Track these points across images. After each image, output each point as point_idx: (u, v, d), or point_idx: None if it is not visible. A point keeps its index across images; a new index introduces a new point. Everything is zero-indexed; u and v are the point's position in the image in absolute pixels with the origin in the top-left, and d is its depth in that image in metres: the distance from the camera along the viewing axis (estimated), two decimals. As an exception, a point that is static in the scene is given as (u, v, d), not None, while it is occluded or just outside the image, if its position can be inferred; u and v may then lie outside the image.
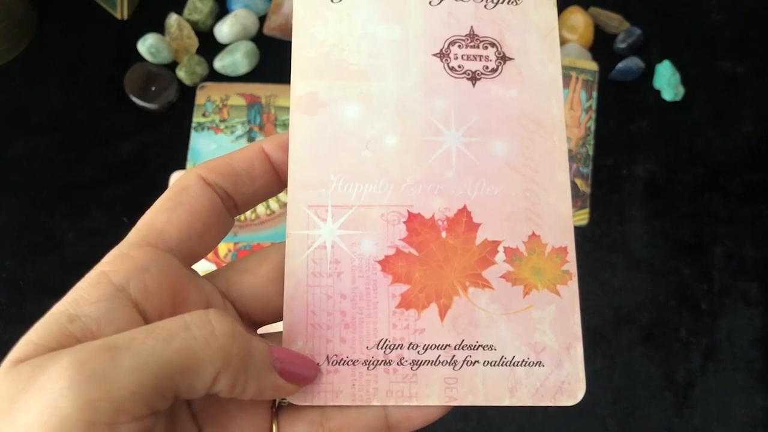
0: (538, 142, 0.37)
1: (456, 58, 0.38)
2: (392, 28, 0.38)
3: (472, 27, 0.39)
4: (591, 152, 0.92)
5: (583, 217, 0.90)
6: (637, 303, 0.87)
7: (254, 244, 0.87)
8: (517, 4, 0.39)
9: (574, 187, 0.90)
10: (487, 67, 0.38)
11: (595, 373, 0.83)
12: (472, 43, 0.38)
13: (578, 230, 0.89)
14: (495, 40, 0.39)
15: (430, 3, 0.39)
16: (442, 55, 0.38)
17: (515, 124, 0.37)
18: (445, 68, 0.38)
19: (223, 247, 0.86)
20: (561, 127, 0.38)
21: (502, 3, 0.39)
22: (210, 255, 0.85)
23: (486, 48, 0.38)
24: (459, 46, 0.38)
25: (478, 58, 0.38)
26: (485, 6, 0.39)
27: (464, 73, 0.38)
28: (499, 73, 0.38)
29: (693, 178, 0.93)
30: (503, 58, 0.38)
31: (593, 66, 0.96)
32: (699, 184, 0.93)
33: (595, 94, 0.95)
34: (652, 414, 0.82)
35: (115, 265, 0.31)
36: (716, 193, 0.92)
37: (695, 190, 0.92)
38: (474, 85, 0.38)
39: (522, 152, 0.37)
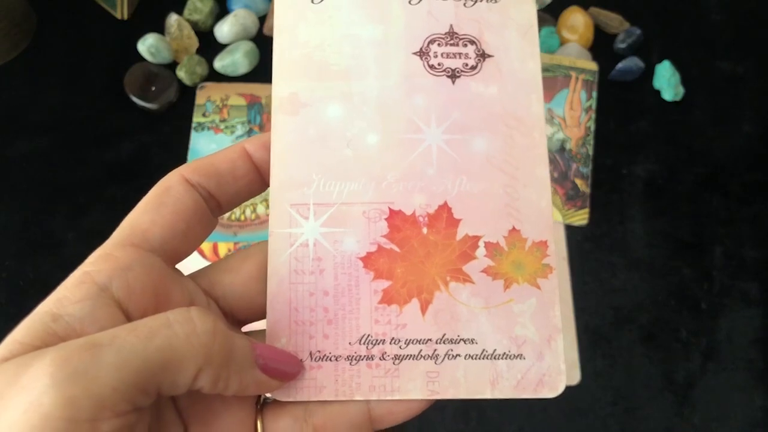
0: (518, 139, 0.37)
1: (436, 57, 0.38)
2: (373, 28, 0.39)
3: (451, 25, 0.39)
4: (591, 152, 0.92)
5: (583, 217, 0.90)
6: (637, 303, 0.87)
7: (254, 244, 0.87)
8: (496, 1, 0.39)
9: (574, 187, 0.90)
10: (466, 65, 0.38)
11: (595, 373, 0.83)
12: (451, 41, 0.39)
13: (578, 230, 0.89)
14: (474, 37, 0.39)
15: (410, 2, 0.39)
16: (422, 53, 0.38)
17: (495, 121, 0.38)
18: (425, 66, 0.38)
19: (223, 247, 0.86)
20: (541, 124, 0.38)
21: (482, 1, 0.39)
22: (210, 255, 0.85)
23: (465, 46, 0.39)
24: (438, 45, 0.38)
25: (457, 56, 0.38)
26: (464, 4, 0.39)
27: (444, 71, 0.38)
28: (479, 71, 0.38)
29: (693, 178, 0.93)
30: (483, 56, 0.39)
31: (593, 66, 0.96)
32: (699, 184, 0.93)
33: (595, 94, 0.95)
34: (652, 414, 0.82)
35: (98, 265, 0.31)
36: (716, 193, 0.92)
37: (695, 190, 0.92)
38: (454, 82, 0.38)
39: (502, 149, 0.37)
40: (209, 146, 0.91)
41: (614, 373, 0.83)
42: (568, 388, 0.35)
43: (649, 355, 0.84)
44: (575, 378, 0.82)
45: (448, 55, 0.38)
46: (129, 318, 0.31)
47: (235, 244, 0.87)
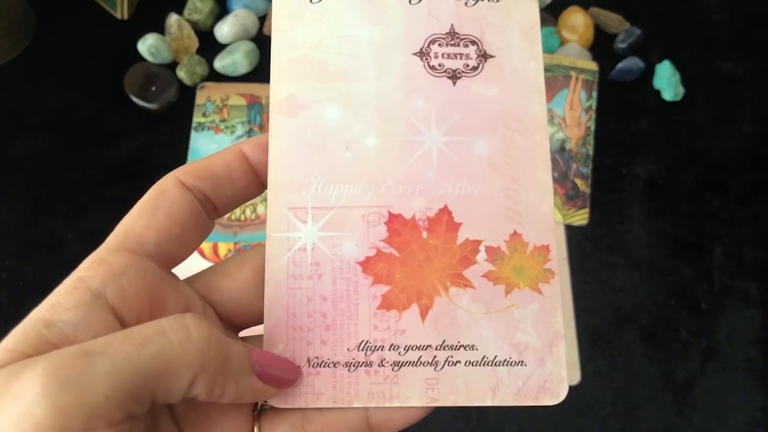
0: (519, 141, 0.37)
1: (436, 57, 0.38)
2: (372, 28, 0.38)
3: (452, 25, 0.38)
4: (591, 152, 0.92)
5: (583, 217, 0.90)
6: (637, 303, 0.86)
7: (254, 244, 0.87)
8: (498, 1, 0.39)
9: (574, 187, 0.90)
10: (467, 66, 0.38)
11: (595, 373, 0.83)
12: (452, 42, 0.38)
13: (578, 230, 0.89)
14: (476, 37, 0.38)
15: (410, 2, 0.39)
16: (422, 54, 0.38)
17: (496, 123, 0.37)
18: (425, 67, 0.38)
19: (223, 247, 0.86)
20: (543, 126, 0.37)
21: (483, 0, 0.39)
22: (210, 255, 0.85)
23: (467, 46, 0.38)
24: (439, 45, 0.38)
25: (458, 57, 0.38)
26: (466, 4, 0.39)
27: (445, 71, 0.38)
28: (480, 72, 0.38)
29: (693, 178, 0.93)
30: (484, 56, 0.38)
31: (593, 66, 0.96)
32: (699, 184, 0.93)
33: (595, 94, 0.95)
34: (652, 414, 0.82)
35: (92, 270, 0.31)
36: (716, 193, 0.92)
37: (695, 190, 0.92)
38: (455, 83, 0.38)
39: (503, 151, 0.37)
40: (209, 146, 0.91)
41: (614, 373, 0.83)
42: (568, 388, 0.35)
43: (649, 355, 0.84)
44: (575, 378, 0.82)
45: (448, 56, 0.38)
46: (123, 324, 0.31)
47: (235, 244, 0.87)
